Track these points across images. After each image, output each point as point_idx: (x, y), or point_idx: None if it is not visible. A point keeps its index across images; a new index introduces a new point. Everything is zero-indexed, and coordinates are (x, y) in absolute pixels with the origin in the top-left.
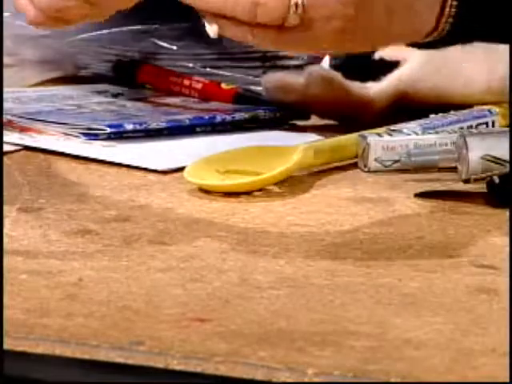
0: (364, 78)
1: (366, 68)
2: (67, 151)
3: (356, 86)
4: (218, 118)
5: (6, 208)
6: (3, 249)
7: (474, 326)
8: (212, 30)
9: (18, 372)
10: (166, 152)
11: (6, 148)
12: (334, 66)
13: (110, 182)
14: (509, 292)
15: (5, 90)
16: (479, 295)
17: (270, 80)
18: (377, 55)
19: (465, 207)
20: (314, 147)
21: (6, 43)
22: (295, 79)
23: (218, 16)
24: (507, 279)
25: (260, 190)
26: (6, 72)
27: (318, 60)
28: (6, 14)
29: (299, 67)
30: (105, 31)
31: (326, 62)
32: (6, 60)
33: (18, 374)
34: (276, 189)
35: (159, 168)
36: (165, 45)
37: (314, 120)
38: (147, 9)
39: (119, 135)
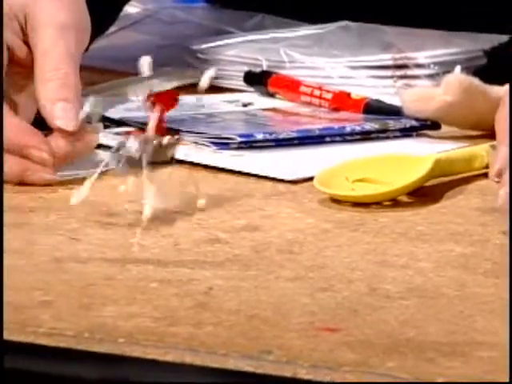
0: (504, 82)
1: (507, 70)
2: (197, 161)
3: (495, 90)
4: (348, 128)
5: (137, 217)
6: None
7: None
8: None
9: (147, 380)
10: (295, 161)
11: None
12: (473, 72)
13: (239, 192)
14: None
15: (133, 98)
16: None
17: (409, 95)
18: None
19: None
20: (445, 157)
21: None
22: (434, 91)
23: None
24: None
25: (390, 200)
26: (132, 81)
27: (450, 69)
28: None
29: (431, 76)
30: (237, 40)
31: (457, 69)
32: (131, 69)
33: (146, 382)
34: (406, 198)
35: (289, 177)
36: (295, 54)
37: (444, 130)
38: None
39: (249, 145)
